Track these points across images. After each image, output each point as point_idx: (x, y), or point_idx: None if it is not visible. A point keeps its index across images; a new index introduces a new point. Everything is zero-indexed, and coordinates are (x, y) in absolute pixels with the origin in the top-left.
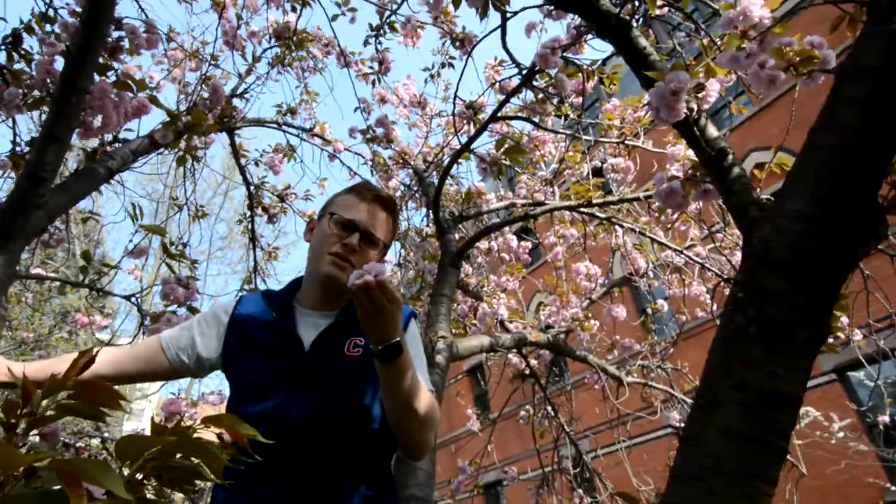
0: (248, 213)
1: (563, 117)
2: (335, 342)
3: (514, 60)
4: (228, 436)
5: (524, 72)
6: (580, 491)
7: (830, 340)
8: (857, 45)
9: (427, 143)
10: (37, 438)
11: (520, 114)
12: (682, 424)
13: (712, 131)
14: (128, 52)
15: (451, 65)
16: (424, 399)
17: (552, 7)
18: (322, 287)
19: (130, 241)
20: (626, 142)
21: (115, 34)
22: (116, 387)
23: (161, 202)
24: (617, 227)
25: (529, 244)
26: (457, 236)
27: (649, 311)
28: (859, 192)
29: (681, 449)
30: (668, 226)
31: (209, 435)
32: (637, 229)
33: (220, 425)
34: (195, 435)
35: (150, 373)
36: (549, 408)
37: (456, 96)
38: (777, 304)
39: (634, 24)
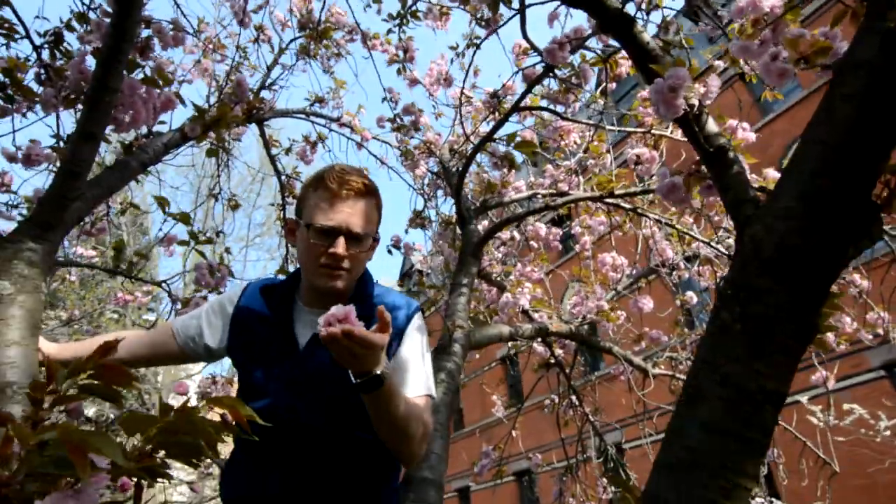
0: (281, 202)
1: (588, 106)
2: None
3: (535, 49)
4: (230, 416)
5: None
6: (604, 480)
7: (870, 337)
8: (855, 40)
9: (454, 132)
10: (62, 415)
11: (543, 102)
12: None
13: (712, 127)
14: (165, 47)
15: (477, 45)
16: (412, 417)
17: (560, 3)
18: (319, 293)
19: (160, 229)
20: (653, 131)
21: (145, 33)
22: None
23: (199, 192)
24: (645, 217)
25: (560, 231)
26: (481, 226)
27: (678, 303)
28: (851, 190)
29: (665, 440)
30: (679, 215)
31: (215, 415)
32: (664, 220)
33: (223, 406)
34: (201, 414)
35: (162, 357)
36: (574, 397)
37: (496, 93)
38: (762, 302)
39: (639, 20)
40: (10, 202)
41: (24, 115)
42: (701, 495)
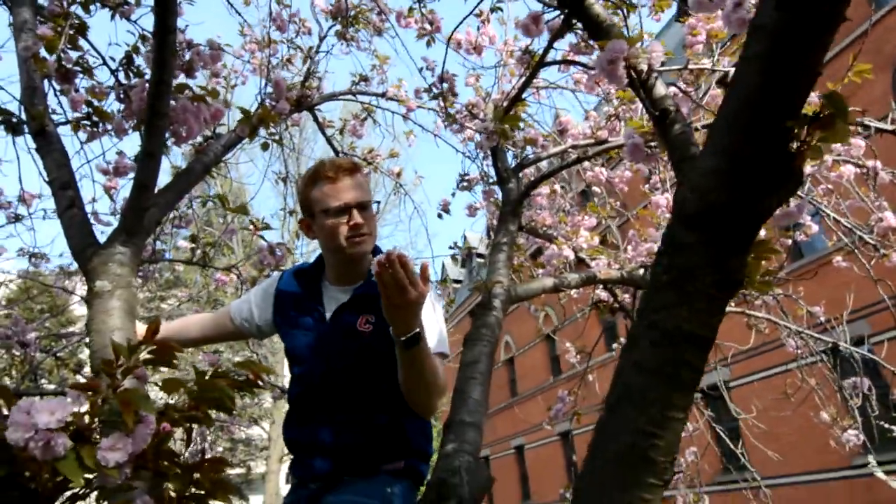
0: None
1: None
2: (350, 317)
3: (548, 4)
4: (252, 377)
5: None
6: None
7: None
8: (759, 2)
9: (499, 90)
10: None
11: (570, 55)
12: (799, 350)
13: (659, 90)
14: (205, 67)
15: (499, 8)
16: (437, 374)
17: None
18: (346, 264)
19: (230, 222)
20: (691, 66)
21: (188, 55)
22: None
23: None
24: None
25: (629, 174)
26: (523, 182)
27: None
28: (765, 147)
29: (612, 380)
30: None
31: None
32: None
33: (247, 368)
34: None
35: (224, 336)
36: None
37: (528, 49)
38: (686, 254)
39: None
40: (113, 210)
41: (110, 135)
42: (634, 426)
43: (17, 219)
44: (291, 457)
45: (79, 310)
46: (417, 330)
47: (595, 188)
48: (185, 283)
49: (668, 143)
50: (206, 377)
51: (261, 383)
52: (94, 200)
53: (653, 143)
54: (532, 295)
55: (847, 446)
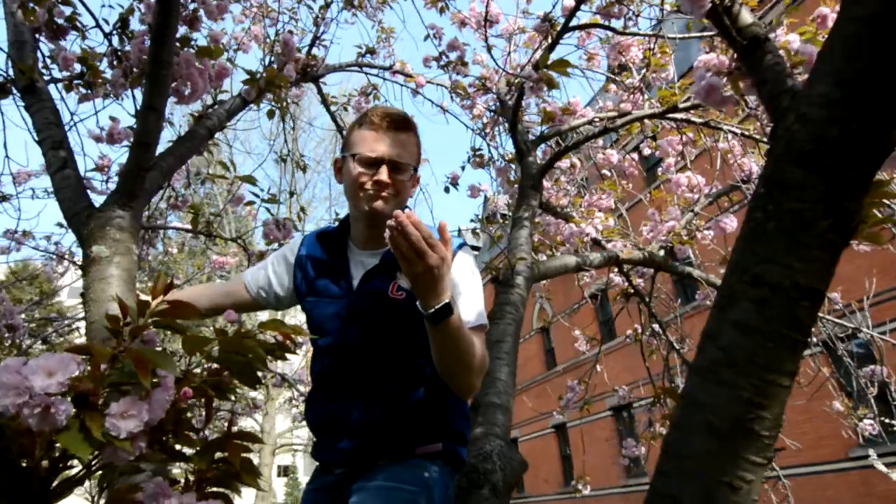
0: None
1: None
2: (380, 283)
3: None
4: (280, 337)
5: None
6: None
7: None
8: None
9: (510, 63)
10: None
11: (595, 19)
12: (815, 339)
13: (746, 17)
14: (211, 17)
15: None
16: (473, 351)
17: None
18: (367, 223)
19: (230, 193)
20: None
21: (192, 6)
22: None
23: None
24: (719, 130)
25: (636, 156)
26: (539, 158)
27: None
28: (890, 69)
29: (699, 345)
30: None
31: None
32: (740, 132)
33: (273, 328)
34: (259, 337)
35: (238, 306)
36: (656, 325)
37: (548, 17)
38: (796, 196)
39: None
40: (106, 179)
41: (104, 97)
42: (734, 394)
43: (3, 199)
44: (315, 440)
45: (67, 301)
46: (447, 301)
47: (604, 171)
48: (175, 273)
49: (758, 75)
50: (231, 337)
51: (293, 347)
52: (86, 178)
53: (728, 90)
54: (554, 273)
55: (861, 436)
